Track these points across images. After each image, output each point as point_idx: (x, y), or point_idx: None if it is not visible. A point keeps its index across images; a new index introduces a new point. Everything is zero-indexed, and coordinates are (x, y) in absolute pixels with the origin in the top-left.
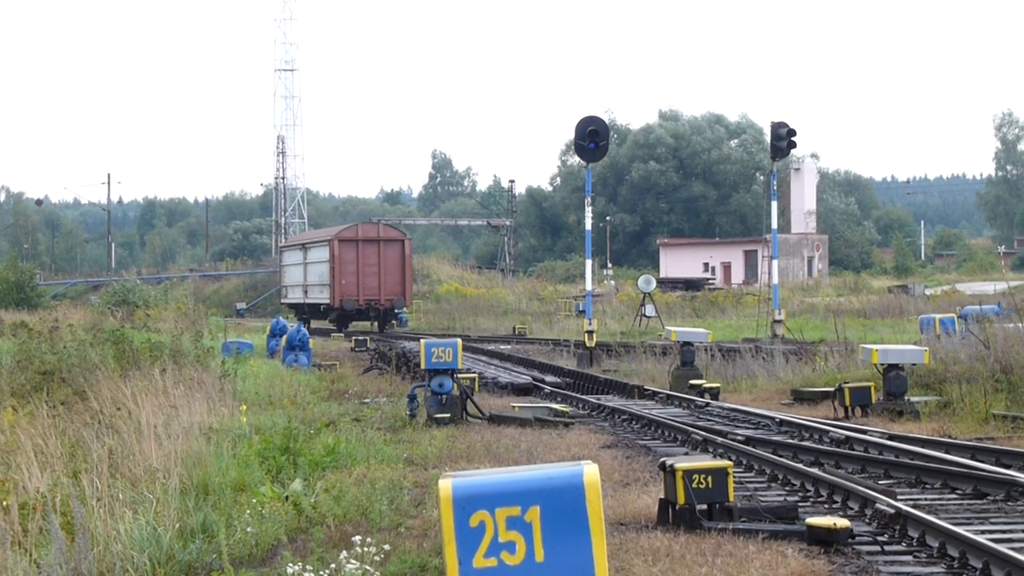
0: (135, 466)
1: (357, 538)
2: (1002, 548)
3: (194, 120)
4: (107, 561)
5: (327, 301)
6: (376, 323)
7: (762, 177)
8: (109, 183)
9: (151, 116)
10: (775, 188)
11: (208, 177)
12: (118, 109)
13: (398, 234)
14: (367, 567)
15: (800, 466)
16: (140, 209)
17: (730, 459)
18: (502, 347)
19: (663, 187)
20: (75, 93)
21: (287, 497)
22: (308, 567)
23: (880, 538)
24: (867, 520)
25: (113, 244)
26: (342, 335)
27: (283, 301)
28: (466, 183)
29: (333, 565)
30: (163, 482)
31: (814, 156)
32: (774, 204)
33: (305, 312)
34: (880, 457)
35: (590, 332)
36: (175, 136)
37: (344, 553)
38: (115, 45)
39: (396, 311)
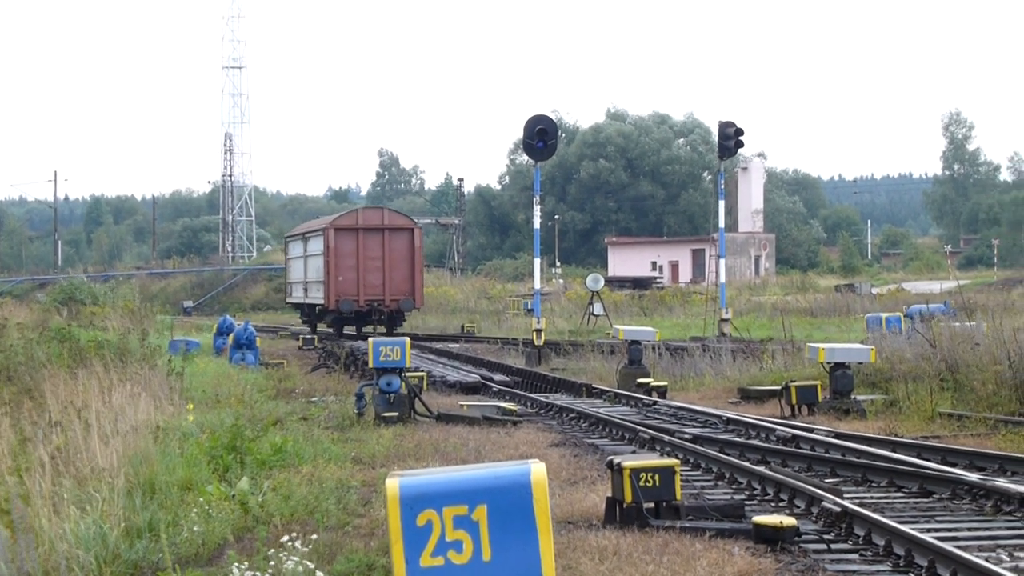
0: (82, 465)
1: (286, 537)
2: (947, 546)
3: (141, 117)
4: (52, 560)
5: (321, 302)
6: (383, 328)
7: (710, 176)
8: (56, 181)
9: (98, 113)
10: (723, 187)
11: (155, 175)
12: (65, 106)
13: (406, 221)
14: (307, 562)
15: (747, 464)
16: (87, 207)
17: (677, 457)
18: (451, 346)
19: (612, 186)
20: (21, 90)
21: (234, 496)
22: (254, 567)
23: (826, 536)
24: (813, 518)
25: (60, 242)
26: (289, 332)
27: (287, 300)
28: (413, 181)
29: (274, 564)
30: (109, 481)
31: (761, 155)
32: (721, 203)
33: (306, 313)
34: (826, 455)
35: (538, 331)
36: (122, 133)
37: (272, 550)
38: (62, 41)
39: (405, 313)
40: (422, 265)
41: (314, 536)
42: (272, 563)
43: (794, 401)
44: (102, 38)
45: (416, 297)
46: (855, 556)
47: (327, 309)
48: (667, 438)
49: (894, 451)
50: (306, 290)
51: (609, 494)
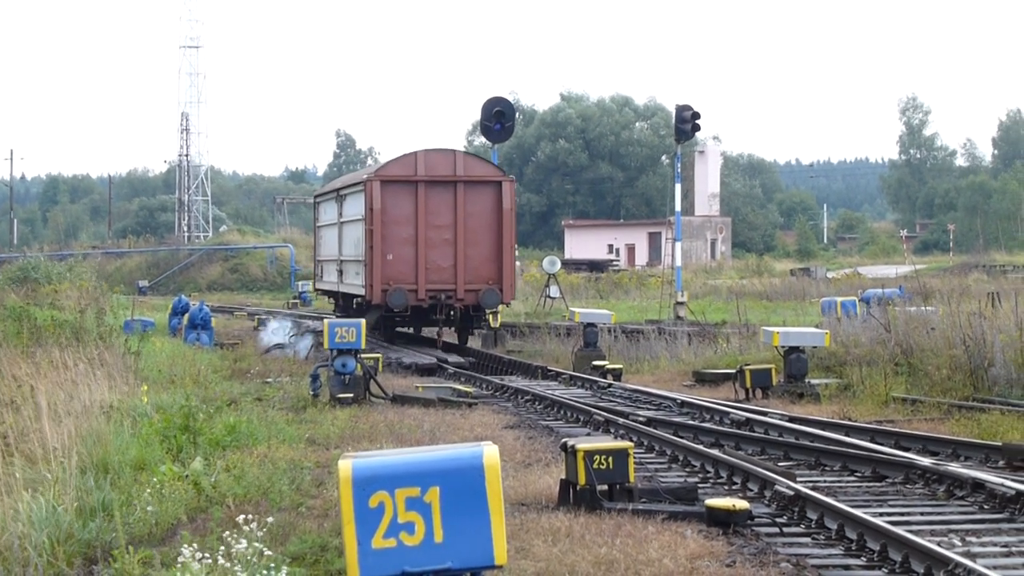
0: (34, 444)
1: (241, 517)
2: (899, 530)
3: (98, 96)
4: (4, 540)
5: (361, 292)
6: (454, 331)
7: (668, 160)
8: (12, 159)
9: (55, 92)
10: (679, 171)
11: (112, 154)
12: (21, 85)
13: (490, 170)
14: (255, 544)
15: (700, 447)
16: (43, 185)
17: (631, 440)
18: None
19: (570, 167)
20: None
21: (187, 476)
22: (206, 547)
23: (779, 520)
24: (766, 502)
25: (15, 220)
26: (245, 313)
27: (316, 287)
28: (370, 163)
29: (223, 548)
30: (62, 461)
31: (716, 139)
32: (678, 187)
33: (341, 307)
34: (780, 439)
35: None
36: (79, 113)
37: (228, 532)
38: (18, 20)
39: (486, 312)
40: (514, 237)
41: (270, 519)
42: (223, 547)
43: (748, 384)
44: (59, 17)
45: (505, 287)
46: (807, 540)
47: (370, 303)
48: (621, 421)
49: (847, 435)
50: (340, 273)
51: (563, 476)
